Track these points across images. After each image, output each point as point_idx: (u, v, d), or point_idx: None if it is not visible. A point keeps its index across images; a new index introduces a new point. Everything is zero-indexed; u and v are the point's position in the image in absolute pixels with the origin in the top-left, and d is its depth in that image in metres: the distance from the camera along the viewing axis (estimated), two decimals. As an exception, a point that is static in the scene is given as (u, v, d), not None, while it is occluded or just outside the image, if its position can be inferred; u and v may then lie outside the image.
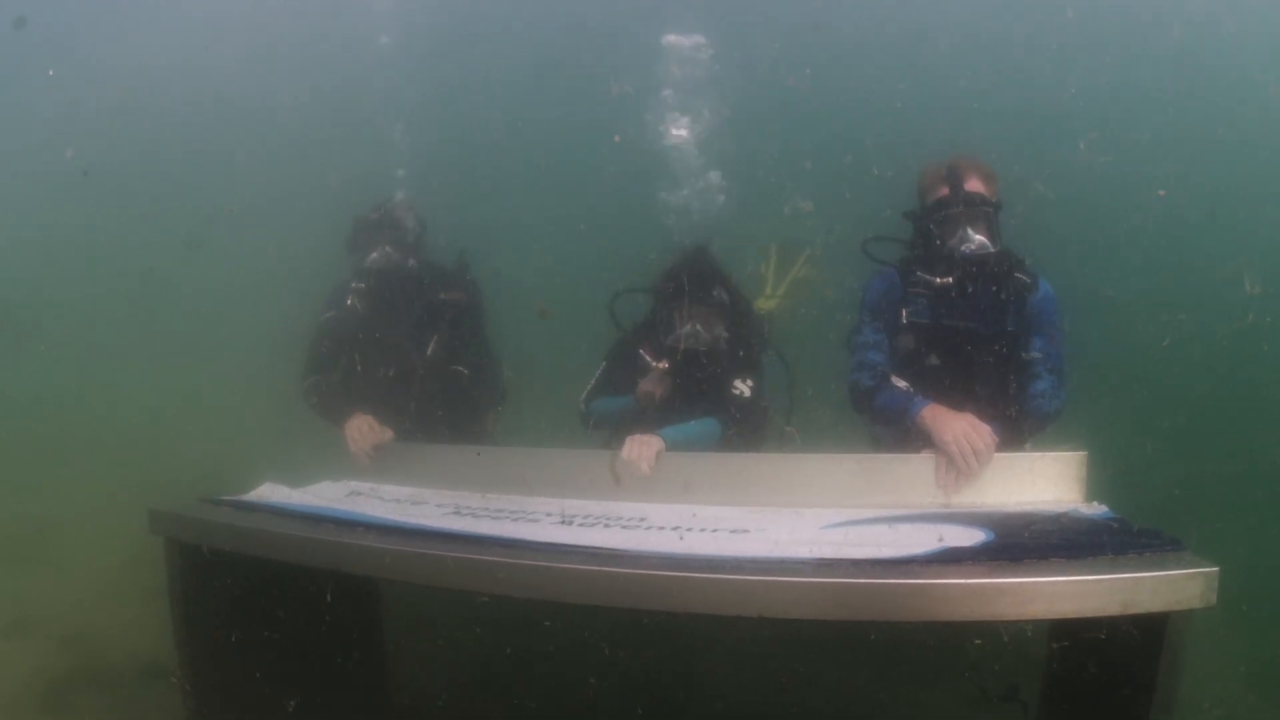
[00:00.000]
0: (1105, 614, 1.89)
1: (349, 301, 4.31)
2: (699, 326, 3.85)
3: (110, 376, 9.40)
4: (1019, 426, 3.35)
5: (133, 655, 4.09)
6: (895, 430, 3.45)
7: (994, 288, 3.48)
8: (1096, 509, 2.71)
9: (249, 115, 11.37)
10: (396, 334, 4.33)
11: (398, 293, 4.30)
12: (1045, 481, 2.88)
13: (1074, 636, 2.35)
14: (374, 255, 4.21)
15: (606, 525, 2.69)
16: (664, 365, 3.89)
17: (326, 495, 3.34)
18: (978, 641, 3.52)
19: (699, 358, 3.87)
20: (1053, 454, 2.91)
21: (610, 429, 4.03)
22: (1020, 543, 2.20)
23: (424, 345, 4.36)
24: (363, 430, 3.69)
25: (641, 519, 2.76)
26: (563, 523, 2.75)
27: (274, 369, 4.77)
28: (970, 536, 2.32)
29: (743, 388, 3.94)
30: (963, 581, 1.89)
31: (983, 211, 3.41)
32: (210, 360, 8.93)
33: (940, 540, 2.26)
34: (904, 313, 3.58)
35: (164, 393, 8.83)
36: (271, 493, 3.23)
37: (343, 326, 4.31)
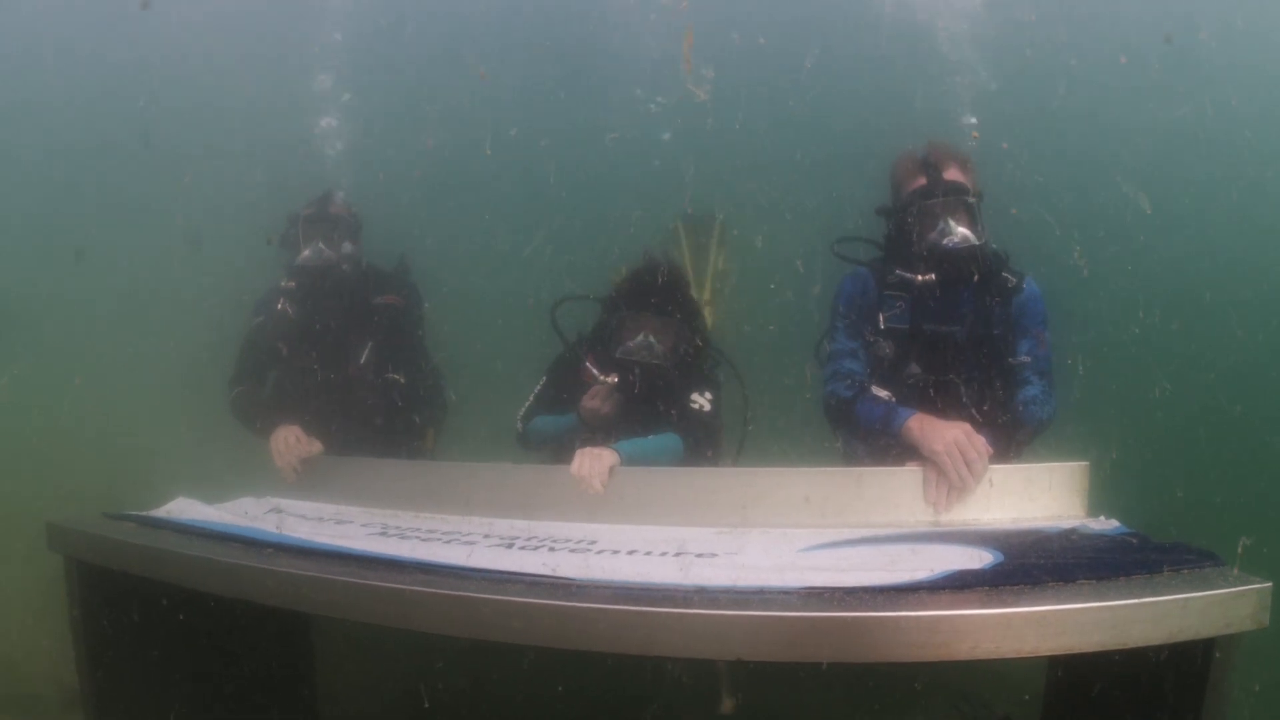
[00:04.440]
0: (1150, 643, 1.60)
1: (279, 305, 4.00)
2: (652, 338, 3.50)
3: (39, 381, 8.91)
4: (1009, 436, 3.06)
5: (57, 684, 3.71)
6: (873, 445, 3.15)
7: (978, 287, 3.20)
8: (1106, 524, 2.42)
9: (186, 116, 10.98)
10: (328, 339, 3.99)
11: (331, 294, 3.97)
12: (1045, 495, 2.59)
13: (1079, 662, 2.05)
14: (307, 252, 3.91)
15: (552, 549, 2.33)
16: (613, 379, 3.52)
17: (244, 512, 3.02)
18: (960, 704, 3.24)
19: (652, 372, 3.52)
20: (1052, 465, 2.62)
21: (551, 451, 3.68)
22: (1036, 564, 1.88)
23: (357, 352, 4.02)
24: (289, 442, 3.37)
25: (592, 542, 2.41)
26: (501, 545, 2.38)
27: (200, 378, 4.46)
28: (976, 558, 2.00)
29: (702, 401, 3.60)
30: (983, 612, 1.56)
31: (965, 202, 3.16)
32: (134, 368, 8.48)
33: (944, 563, 1.93)
34: (881, 317, 3.29)
35: (89, 401, 8.37)
36: (184, 508, 2.90)
37: (272, 332, 3.99)
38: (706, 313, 5.32)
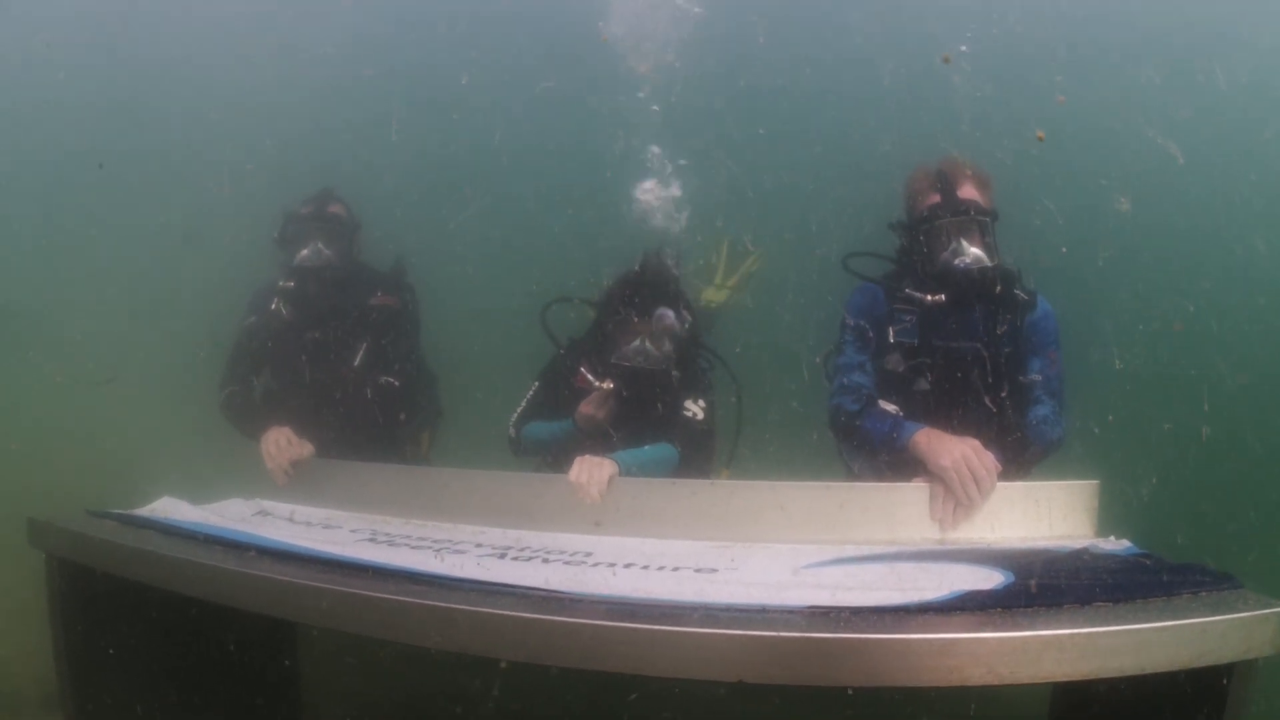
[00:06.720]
0: (1171, 669, 1.52)
1: (273, 305, 3.93)
2: (648, 343, 3.44)
3: (28, 380, 8.81)
4: (1018, 455, 2.98)
5: (38, 681, 3.60)
6: (878, 460, 3.08)
7: (990, 304, 3.13)
8: (1117, 544, 2.35)
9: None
10: (322, 340, 3.91)
11: (326, 295, 3.90)
12: (1054, 513, 2.52)
13: (1085, 690, 1.98)
14: (305, 252, 3.83)
15: (545, 560, 2.25)
16: (609, 385, 3.45)
17: (231, 514, 2.93)
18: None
19: (648, 378, 3.46)
20: (1062, 483, 2.55)
21: (543, 457, 3.60)
22: (1050, 585, 1.80)
23: (352, 353, 3.93)
24: (280, 444, 3.30)
25: (588, 554, 2.33)
26: (493, 555, 2.30)
27: (191, 377, 4.38)
28: (987, 578, 1.92)
29: (695, 409, 3.54)
30: (999, 635, 1.48)
31: (979, 221, 3.07)
32: (125, 367, 8.39)
33: (953, 583, 1.85)
34: (890, 331, 3.21)
35: (77, 399, 8.27)
36: (168, 508, 2.82)
37: (265, 332, 3.92)
38: (723, 295, 5.32)
